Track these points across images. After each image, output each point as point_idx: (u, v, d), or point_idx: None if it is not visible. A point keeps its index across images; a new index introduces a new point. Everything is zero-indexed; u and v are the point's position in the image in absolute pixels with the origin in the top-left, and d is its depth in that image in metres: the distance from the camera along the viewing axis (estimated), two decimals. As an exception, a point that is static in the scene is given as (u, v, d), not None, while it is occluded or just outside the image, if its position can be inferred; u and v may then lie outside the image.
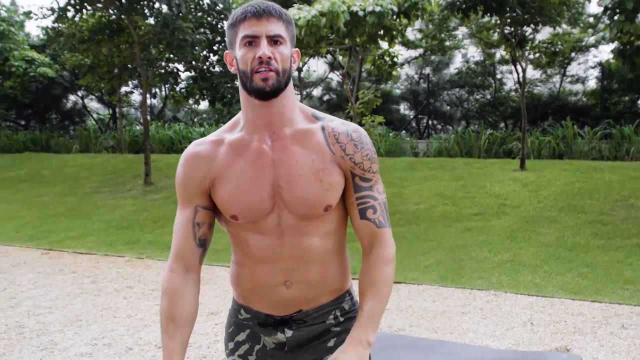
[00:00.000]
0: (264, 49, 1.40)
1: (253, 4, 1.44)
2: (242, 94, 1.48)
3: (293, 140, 1.49)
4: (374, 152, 1.55)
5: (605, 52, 14.58)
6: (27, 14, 11.49)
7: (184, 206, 1.56)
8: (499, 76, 16.25)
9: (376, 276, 1.50)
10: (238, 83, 1.51)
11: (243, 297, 1.61)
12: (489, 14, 9.61)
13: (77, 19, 11.07)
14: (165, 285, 1.54)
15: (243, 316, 1.61)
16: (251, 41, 1.42)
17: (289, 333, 1.56)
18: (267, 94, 1.43)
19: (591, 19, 13.36)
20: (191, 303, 1.54)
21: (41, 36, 15.74)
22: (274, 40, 1.43)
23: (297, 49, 1.54)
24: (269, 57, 1.40)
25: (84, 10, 10.58)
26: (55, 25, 11.74)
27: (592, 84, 15.88)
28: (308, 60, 15.52)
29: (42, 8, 11.08)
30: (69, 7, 10.30)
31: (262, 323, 1.58)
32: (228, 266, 4.78)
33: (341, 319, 1.61)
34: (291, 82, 1.51)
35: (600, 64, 14.54)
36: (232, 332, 1.65)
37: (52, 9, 10.49)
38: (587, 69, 15.58)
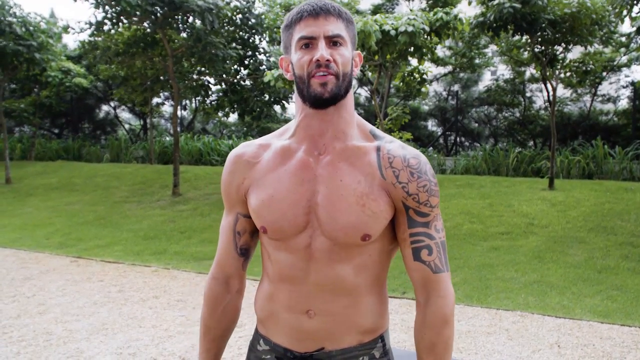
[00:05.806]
0: (322, 50, 1.27)
1: (309, 2, 1.31)
2: (297, 101, 1.36)
3: (342, 156, 1.34)
4: (435, 184, 1.35)
5: (637, 72, 14.39)
6: (65, 29, 11.78)
7: (227, 211, 1.49)
8: (528, 94, 16.15)
9: (434, 339, 1.34)
10: (294, 90, 1.37)
11: (263, 324, 1.46)
12: (519, 33, 9.57)
13: (113, 32, 11.35)
14: (206, 292, 1.51)
15: (262, 348, 1.45)
16: (308, 43, 1.29)
17: None
18: (325, 100, 1.29)
19: (623, 39, 13.20)
20: (230, 313, 1.52)
21: (77, 48, 16.12)
22: (334, 42, 1.29)
23: (358, 51, 1.39)
24: (328, 60, 1.27)
25: (120, 24, 10.85)
26: (92, 38, 12.03)
27: (623, 103, 15.67)
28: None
29: (79, 22, 11.39)
30: (105, 21, 10.57)
31: (280, 358, 1.41)
32: (256, 279, 4.81)
33: None
34: (351, 92, 1.36)
35: (632, 83, 14.34)
36: None
37: (90, 23, 10.76)
38: (619, 89, 15.41)
